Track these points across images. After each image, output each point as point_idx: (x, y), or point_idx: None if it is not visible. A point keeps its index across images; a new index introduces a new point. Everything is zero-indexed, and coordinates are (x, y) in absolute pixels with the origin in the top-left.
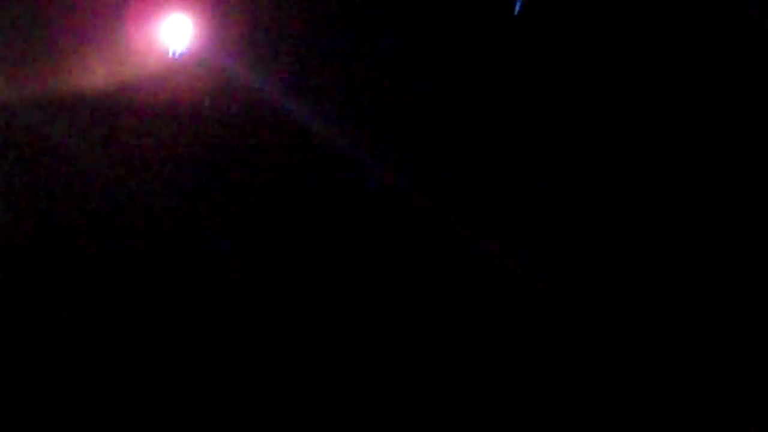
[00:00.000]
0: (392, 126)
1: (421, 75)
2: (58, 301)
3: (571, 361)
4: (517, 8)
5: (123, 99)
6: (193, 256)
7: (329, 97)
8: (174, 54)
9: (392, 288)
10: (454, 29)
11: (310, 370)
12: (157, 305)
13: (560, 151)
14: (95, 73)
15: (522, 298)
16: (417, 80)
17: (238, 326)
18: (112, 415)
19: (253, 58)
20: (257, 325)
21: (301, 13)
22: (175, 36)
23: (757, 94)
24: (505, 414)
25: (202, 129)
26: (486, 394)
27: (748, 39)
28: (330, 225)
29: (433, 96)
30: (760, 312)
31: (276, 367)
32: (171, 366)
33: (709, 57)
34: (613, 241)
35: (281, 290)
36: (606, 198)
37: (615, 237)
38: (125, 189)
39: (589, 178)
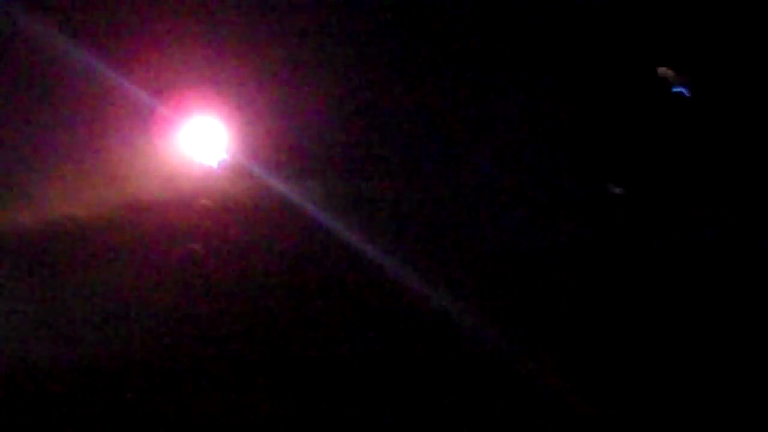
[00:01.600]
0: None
1: None
2: None
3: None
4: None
5: (150, 215)
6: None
7: (369, 209)
8: (208, 164)
9: None
10: None
11: None
12: None
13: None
14: (122, 189)
15: None
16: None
17: None
18: None
19: (292, 170)
20: None
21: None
22: (207, 145)
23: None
24: None
25: (238, 246)
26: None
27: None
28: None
29: None
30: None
31: None
32: None
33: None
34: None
35: None
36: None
37: None
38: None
39: None
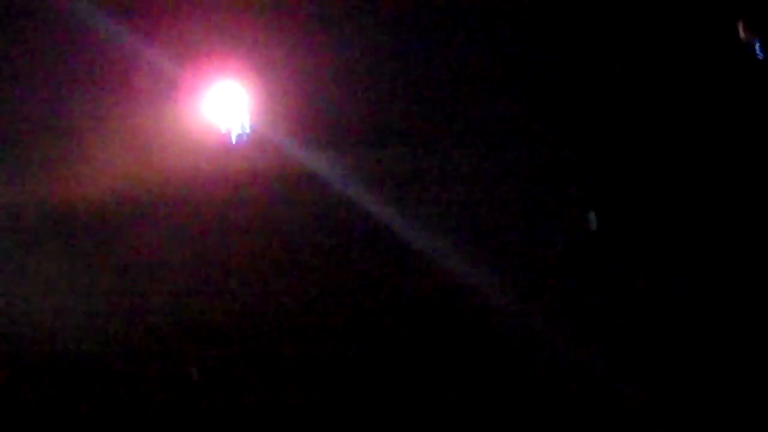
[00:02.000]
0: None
1: None
2: None
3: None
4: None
5: (176, 185)
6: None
7: (392, 181)
8: (231, 135)
9: None
10: None
11: None
12: None
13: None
14: (146, 159)
15: None
16: None
17: None
18: None
19: (314, 138)
20: None
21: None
22: (231, 114)
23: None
24: None
25: (263, 215)
26: None
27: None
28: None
29: None
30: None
31: None
32: None
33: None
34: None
35: None
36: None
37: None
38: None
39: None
